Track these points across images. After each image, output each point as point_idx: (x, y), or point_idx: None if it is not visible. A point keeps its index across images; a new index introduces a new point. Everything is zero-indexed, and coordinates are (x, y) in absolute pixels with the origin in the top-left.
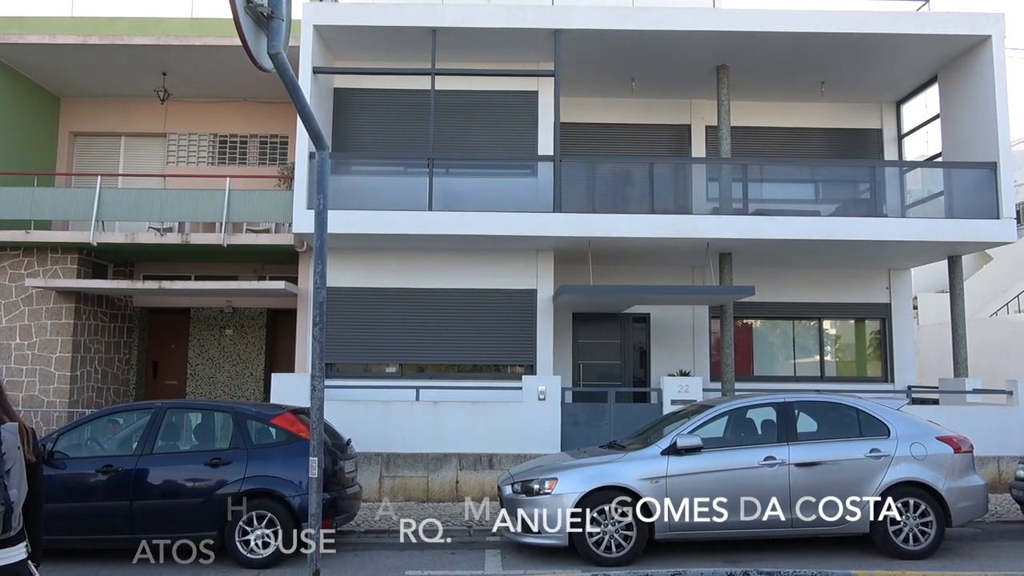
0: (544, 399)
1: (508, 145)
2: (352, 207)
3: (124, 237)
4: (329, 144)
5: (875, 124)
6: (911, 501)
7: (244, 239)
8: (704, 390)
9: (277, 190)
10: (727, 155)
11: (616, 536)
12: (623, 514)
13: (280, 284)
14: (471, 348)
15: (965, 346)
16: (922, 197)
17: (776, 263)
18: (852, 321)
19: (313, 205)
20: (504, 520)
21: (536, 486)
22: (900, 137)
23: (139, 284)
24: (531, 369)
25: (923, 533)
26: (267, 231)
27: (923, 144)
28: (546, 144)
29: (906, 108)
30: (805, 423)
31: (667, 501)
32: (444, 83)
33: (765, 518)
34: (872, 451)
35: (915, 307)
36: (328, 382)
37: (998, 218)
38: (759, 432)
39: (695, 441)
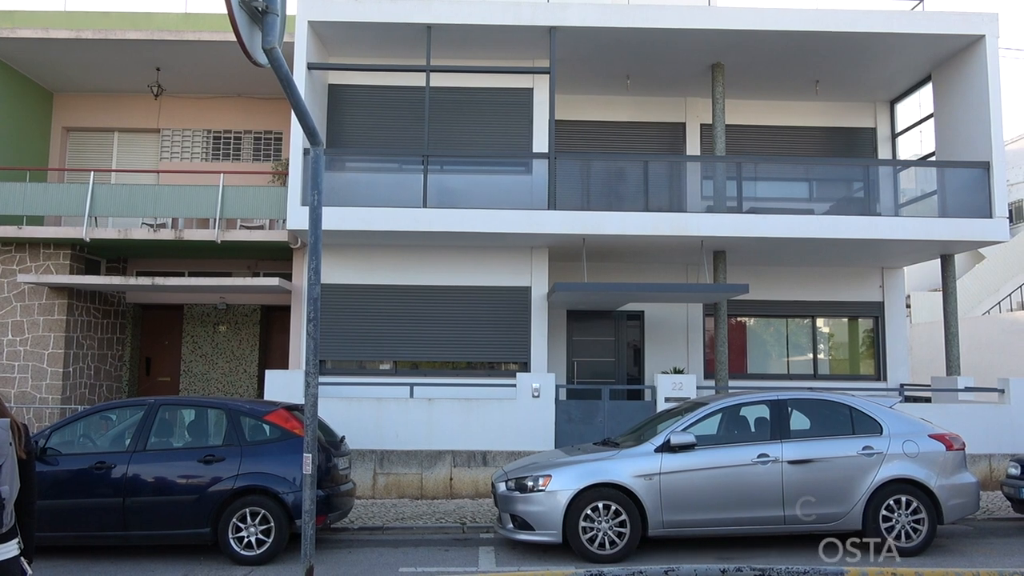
0: (538, 396)
1: (503, 142)
2: (346, 204)
3: (117, 233)
4: (324, 140)
5: (869, 123)
6: (903, 498)
7: (238, 235)
8: (698, 388)
9: (271, 186)
10: (721, 153)
11: (610, 533)
12: (617, 511)
13: (274, 281)
14: (465, 345)
15: (957, 344)
16: (915, 196)
17: (770, 261)
18: (845, 319)
19: (307, 201)
20: (498, 517)
21: (530, 483)
22: (894, 136)
23: (132, 280)
24: (525, 366)
25: (915, 530)
26: (261, 227)
27: (917, 143)
28: (541, 141)
29: (900, 107)
30: (798, 421)
31: (661, 498)
32: (439, 80)
33: (758, 515)
34: (865, 448)
35: (908, 305)
36: (322, 379)
37: (991, 217)
38: (752, 429)
39: (689, 438)
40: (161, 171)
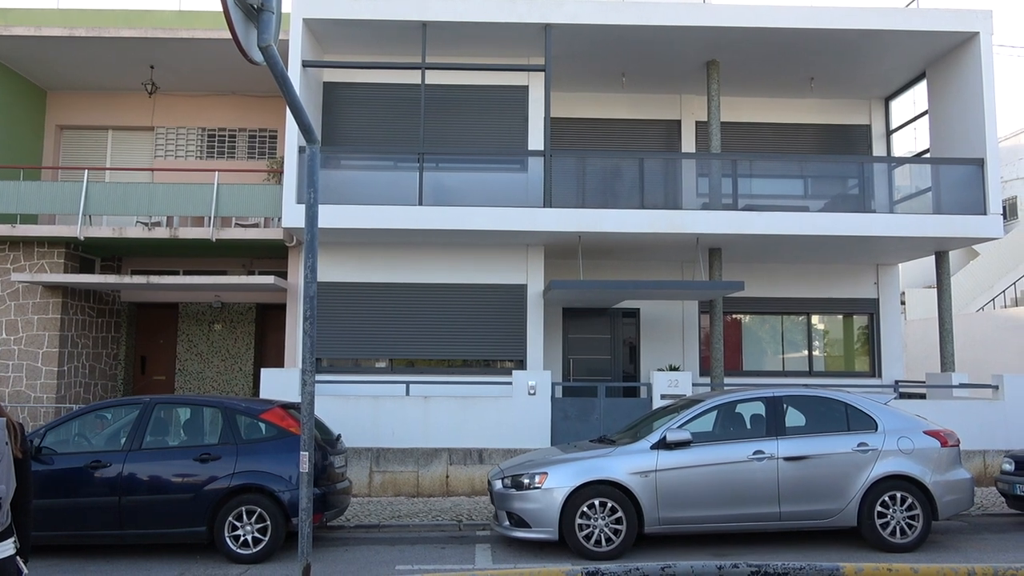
0: (534, 394)
1: (498, 140)
2: (342, 202)
3: (111, 231)
4: (319, 138)
5: (864, 120)
6: (898, 494)
7: (233, 233)
8: (693, 385)
9: (266, 184)
10: (717, 150)
11: (606, 530)
12: (613, 508)
13: (269, 279)
14: (461, 343)
15: (952, 341)
16: (910, 193)
17: (765, 258)
18: (840, 316)
19: (303, 199)
20: (495, 515)
21: (526, 480)
22: (888, 133)
23: (127, 279)
24: (521, 364)
25: (910, 526)
26: (256, 226)
27: (911, 140)
28: (536, 139)
29: (895, 104)
30: (794, 417)
31: (657, 495)
32: (434, 77)
33: (754, 511)
34: (860, 445)
35: (903, 302)
36: (318, 377)
37: (985, 214)
38: (748, 426)
39: (684, 435)
40: (155, 169)
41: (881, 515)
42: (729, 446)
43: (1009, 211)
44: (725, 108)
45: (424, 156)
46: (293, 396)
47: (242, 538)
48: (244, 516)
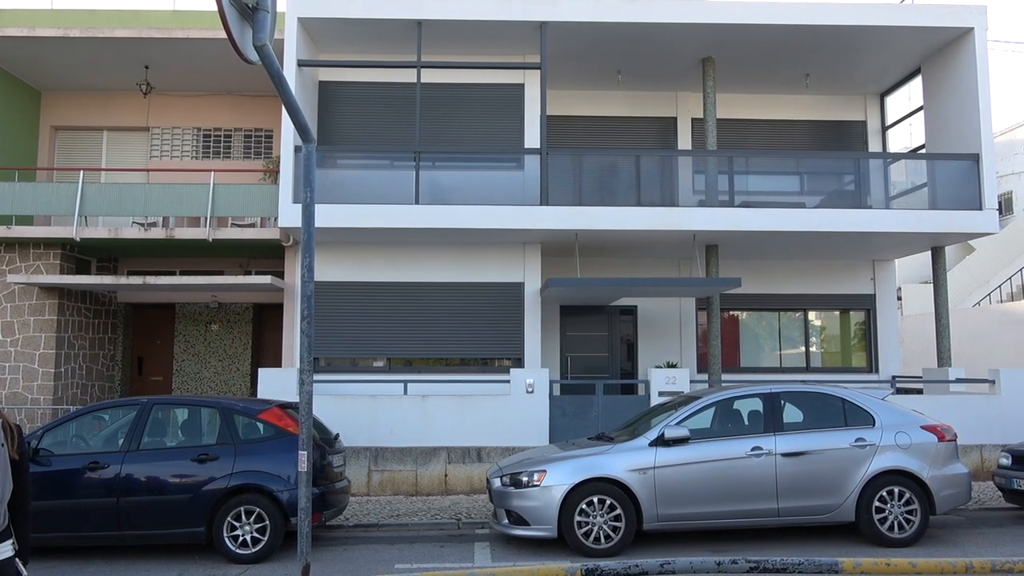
0: (532, 392)
1: (495, 138)
2: (338, 201)
3: (107, 232)
4: (315, 137)
5: (859, 116)
6: (896, 489)
7: (229, 234)
8: (691, 382)
9: (262, 184)
10: (713, 147)
11: (605, 527)
12: (612, 505)
13: (266, 279)
14: (459, 342)
15: (948, 336)
16: (906, 188)
17: (762, 255)
18: (837, 312)
19: (299, 199)
20: (493, 513)
21: (525, 478)
22: (884, 129)
23: (123, 279)
24: (519, 362)
25: (908, 521)
26: (252, 225)
27: (907, 136)
28: (533, 137)
29: (890, 100)
30: (791, 413)
31: (655, 492)
32: (430, 76)
33: (752, 508)
34: (857, 440)
35: (899, 298)
36: (316, 377)
37: (981, 209)
38: (746, 423)
39: (682, 432)
40: (151, 170)
41: (879, 510)
42: (727, 442)
43: (1004, 206)
44: (721, 105)
45: (420, 155)
46: (291, 396)
47: (241, 538)
48: (243, 516)
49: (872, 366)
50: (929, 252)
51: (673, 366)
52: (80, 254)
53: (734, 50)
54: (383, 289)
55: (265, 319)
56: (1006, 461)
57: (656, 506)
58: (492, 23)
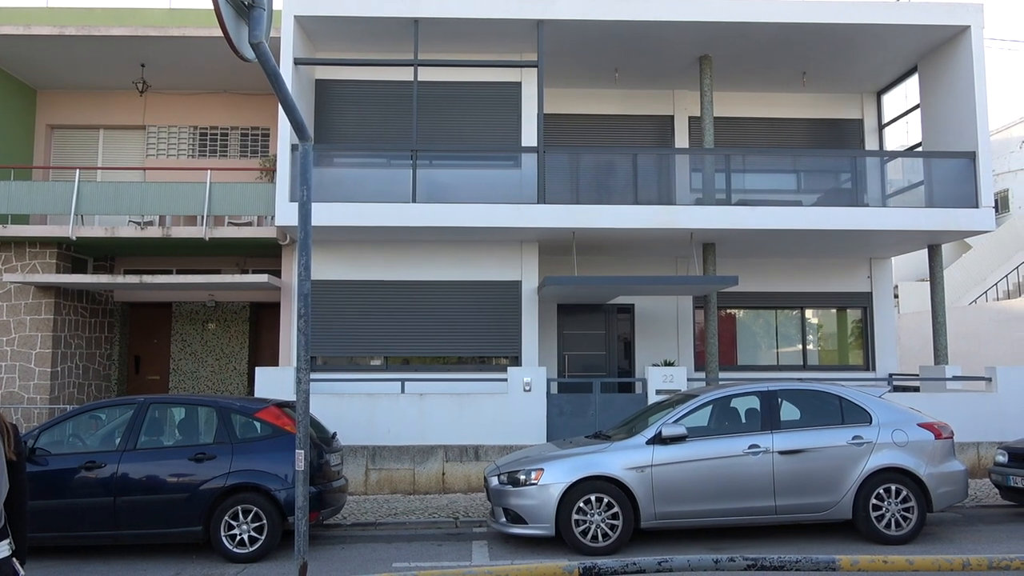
0: (529, 390)
1: (492, 136)
2: (335, 199)
3: (104, 231)
4: (312, 136)
5: (856, 114)
6: (893, 487)
7: (226, 232)
8: (688, 380)
9: (259, 183)
10: (710, 146)
11: (602, 525)
12: (609, 503)
13: (263, 277)
14: (456, 340)
15: (945, 334)
16: (903, 186)
17: (759, 253)
18: (834, 310)
19: (296, 197)
20: (491, 511)
21: (522, 477)
22: (881, 127)
23: (120, 278)
24: (516, 361)
25: (905, 518)
26: (249, 224)
27: (903, 134)
28: (530, 135)
29: (887, 98)
30: (788, 411)
31: (653, 490)
32: (427, 74)
33: (750, 505)
34: (854, 438)
35: (896, 296)
36: (313, 375)
37: (977, 207)
38: (743, 421)
39: (680, 430)
40: (147, 168)
41: (876, 507)
42: (724, 440)
43: (1001, 204)
44: (718, 103)
45: (417, 153)
46: (288, 395)
47: (238, 537)
48: (240, 515)
49: (869, 364)
50: (926, 250)
51: (670, 364)
52: (76, 253)
53: (731, 48)
54: (380, 288)
55: (262, 318)
56: (1003, 458)
57: (654, 504)
58: (489, 21)
